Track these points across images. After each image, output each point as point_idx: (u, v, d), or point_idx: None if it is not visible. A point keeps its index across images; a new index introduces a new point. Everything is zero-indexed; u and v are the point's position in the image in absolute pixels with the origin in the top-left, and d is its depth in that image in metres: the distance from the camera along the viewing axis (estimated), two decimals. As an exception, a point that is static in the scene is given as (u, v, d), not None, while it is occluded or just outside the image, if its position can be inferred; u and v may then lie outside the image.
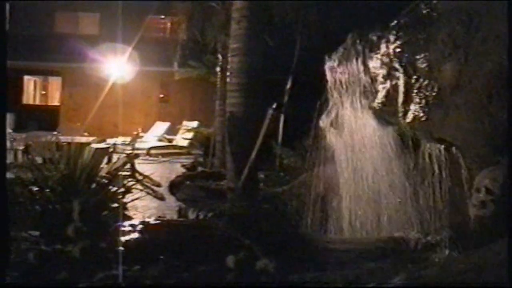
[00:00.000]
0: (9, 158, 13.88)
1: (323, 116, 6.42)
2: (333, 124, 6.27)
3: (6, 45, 4.15)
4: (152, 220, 5.84)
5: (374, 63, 5.78)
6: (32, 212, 5.72)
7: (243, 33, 8.62)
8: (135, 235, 5.00)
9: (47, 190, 5.80)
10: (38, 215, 5.68)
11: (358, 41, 5.96)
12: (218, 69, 13.69)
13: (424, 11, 5.68)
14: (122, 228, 4.96)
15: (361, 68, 5.87)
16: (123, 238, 4.77)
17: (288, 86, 10.55)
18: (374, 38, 5.84)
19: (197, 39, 14.71)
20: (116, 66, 20.85)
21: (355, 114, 6.04)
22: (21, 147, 13.94)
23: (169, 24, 23.76)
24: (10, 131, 16.18)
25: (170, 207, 8.48)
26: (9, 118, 21.94)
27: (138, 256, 3.89)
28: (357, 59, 5.91)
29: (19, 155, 13.87)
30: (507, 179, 4.91)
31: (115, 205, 5.87)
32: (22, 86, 25.11)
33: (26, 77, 25.11)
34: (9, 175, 7.95)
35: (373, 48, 5.81)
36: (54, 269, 3.41)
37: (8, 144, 14.50)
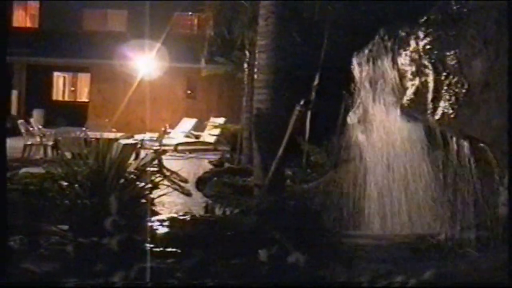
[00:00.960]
0: (39, 154, 14.08)
1: (351, 113, 6.39)
2: (360, 121, 6.24)
3: (6, 45, 4.19)
4: (187, 215, 5.88)
5: (403, 60, 5.73)
6: (62, 207, 5.80)
7: (270, 29, 8.60)
8: (170, 229, 5.06)
9: (76, 185, 5.86)
10: (68, 210, 5.75)
11: (386, 38, 5.92)
12: (245, 65, 13.69)
13: (454, 8, 5.61)
14: (157, 222, 5.02)
15: (390, 64, 5.83)
16: (158, 232, 4.82)
17: (315, 82, 10.49)
18: (403, 34, 5.79)
19: (224, 35, 14.70)
20: (144, 63, 20.96)
21: (383, 111, 5.99)
22: (51, 143, 14.10)
23: (196, 21, 23.82)
24: (40, 126, 16.39)
25: (197, 203, 8.50)
26: (39, 114, 22.24)
27: (173, 250, 3.93)
28: (385, 56, 5.87)
29: (49, 151, 14.05)
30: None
31: (143, 200, 5.91)
32: (52, 83, 25.40)
33: (55, 74, 25.38)
34: (39, 170, 8.08)
35: (402, 44, 5.77)
36: (91, 261, 3.45)
37: (38, 139, 14.72)
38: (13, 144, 16.83)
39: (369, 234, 6.02)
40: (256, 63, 9.41)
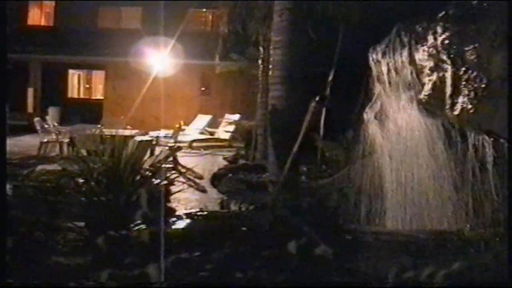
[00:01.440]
0: (55, 151, 14.16)
1: (367, 109, 6.36)
2: (377, 116, 6.21)
3: (6, 45, 4.21)
4: (204, 211, 5.90)
5: (420, 55, 5.68)
6: (78, 203, 5.83)
7: (285, 25, 8.58)
8: (198, 223, 5.08)
9: (92, 182, 5.87)
10: (84, 206, 5.78)
11: (403, 33, 5.86)
12: (259, 62, 13.67)
13: (474, 2, 5.55)
14: (186, 216, 5.04)
15: (407, 60, 5.78)
16: (187, 226, 4.84)
17: (330, 78, 10.45)
18: (420, 30, 5.74)
19: (238, 32, 14.68)
20: (158, 60, 20.98)
21: (400, 107, 5.95)
22: (66, 140, 14.17)
23: (210, 17, 23.82)
24: (56, 124, 16.47)
25: (212, 200, 8.51)
26: (55, 111, 22.36)
27: (203, 242, 3.97)
28: (402, 51, 5.82)
29: (65, 148, 14.12)
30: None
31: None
32: (67, 80, 25.51)
33: (70, 71, 25.49)
34: (55, 167, 8.12)
35: (419, 39, 5.71)
36: (122, 254, 3.48)
37: (53, 137, 14.80)
38: (30, 142, 16.95)
39: (388, 229, 5.98)
40: (270, 59, 9.39)
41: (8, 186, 7.34)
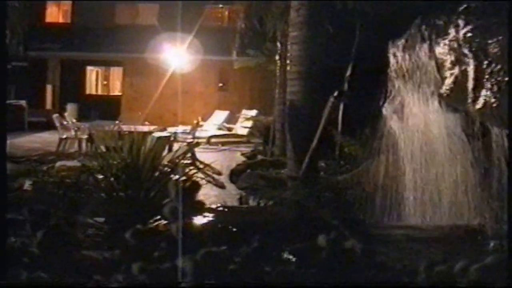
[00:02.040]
0: (74, 147, 14.26)
1: (386, 104, 6.32)
2: (396, 111, 6.16)
3: (5, 45, 4.23)
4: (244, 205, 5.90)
5: (441, 49, 5.62)
6: (98, 199, 5.85)
7: (302, 20, 8.54)
8: (223, 217, 5.09)
9: (112, 178, 5.90)
10: (103, 202, 5.80)
11: (423, 27, 5.81)
12: (277, 57, 13.63)
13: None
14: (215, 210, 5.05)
15: (427, 54, 5.73)
16: (212, 220, 4.85)
17: (348, 73, 10.38)
18: (441, 23, 5.68)
19: (255, 27, 14.67)
20: (176, 56, 21.04)
21: (420, 101, 5.90)
22: (85, 136, 14.25)
23: (227, 13, 23.82)
24: (74, 120, 16.58)
25: (230, 195, 8.51)
26: (73, 108, 22.51)
27: (230, 236, 3.99)
28: (422, 45, 5.77)
29: (83, 144, 14.21)
30: None
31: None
32: (85, 77, 25.67)
33: (88, 68, 25.65)
34: (74, 163, 8.17)
35: (440, 33, 5.65)
36: (150, 247, 3.50)
37: (72, 133, 14.90)
38: (49, 138, 17.09)
39: (410, 224, 5.94)
40: (288, 54, 9.36)
41: (28, 182, 7.42)
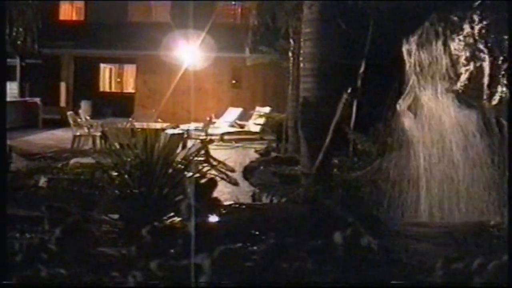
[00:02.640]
0: (88, 144, 14.34)
1: (400, 100, 6.28)
2: (410, 108, 6.13)
3: (5, 45, 4.25)
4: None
5: (456, 45, 5.58)
6: (112, 196, 5.88)
7: (315, 17, 8.50)
8: (240, 214, 5.09)
9: (126, 175, 5.92)
10: (117, 199, 5.83)
11: (437, 23, 5.77)
12: (290, 54, 13.62)
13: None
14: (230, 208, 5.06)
15: (441, 50, 5.69)
16: (230, 217, 4.86)
17: (361, 70, 10.35)
18: (455, 19, 5.64)
19: (268, 24, 14.67)
20: (189, 53, 21.08)
21: (435, 98, 5.86)
22: (99, 133, 14.33)
23: (240, 10, 23.81)
24: (88, 118, 16.67)
25: (244, 192, 8.50)
26: (87, 105, 22.62)
27: (247, 234, 4.00)
28: (437, 41, 5.73)
29: (97, 141, 14.29)
30: None
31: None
32: (98, 74, 25.79)
33: (102, 65, 25.76)
34: (88, 160, 8.21)
35: (455, 29, 5.61)
36: (167, 244, 3.53)
37: (86, 130, 14.98)
38: (63, 135, 17.20)
39: (425, 221, 5.91)
40: (301, 51, 9.33)
41: (43, 179, 7.47)
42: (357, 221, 3.89)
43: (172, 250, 3.43)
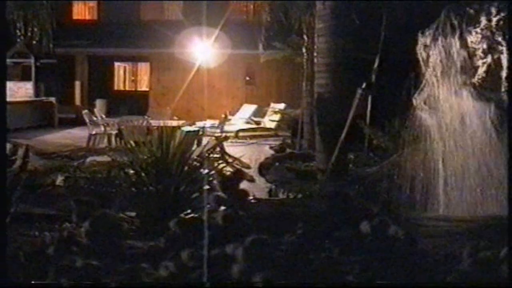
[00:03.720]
0: (104, 143, 14.40)
1: (416, 94, 6.24)
2: (427, 102, 6.09)
3: (5, 45, 4.27)
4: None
5: (473, 38, 5.54)
6: (128, 194, 5.91)
7: (328, 12, 8.48)
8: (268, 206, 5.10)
9: (142, 172, 5.94)
10: (133, 196, 5.86)
11: (453, 16, 5.72)
12: (303, 50, 13.58)
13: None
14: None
15: (458, 43, 5.64)
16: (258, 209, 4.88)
17: (376, 65, 10.31)
18: (472, 12, 5.59)
19: (281, 20, 14.62)
20: (202, 50, 21.10)
21: (452, 91, 5.82)
22: (114, 132, 14.39)
23: (252, 6, 23.76)
24: (103, 116, 16.73)
25: (260, 189, 8.50)
26: (102, 104, 22.70)
27: (273, 225, 4.01)
28: (453, 34, 5.69)
29: (113, 140, 14.35)
30: None
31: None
32: (113, 73, 25.86)
33: (116, 64, 25.83)
34: (104, 158, 8.26)
35: (471, 22, 5.57)
36: (196, 236, 3.55)
37: (102, 129, 15.04)
38: (78, 134, 17.28)
39: (444, 215, 5.87)
40: (315, 47, 9.32)
41: (60, 178, 7.53)
42: (382, 212, 3.91)
43: (200, 241, 3.46)
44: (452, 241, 4.20)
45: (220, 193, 4.01)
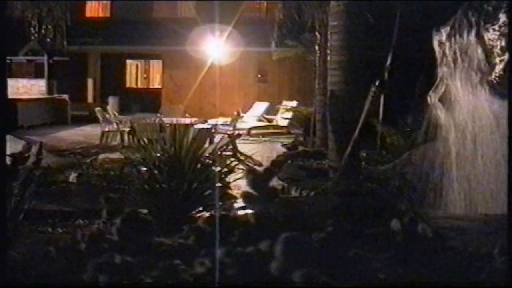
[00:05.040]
0: (116, 140, 14.44)
1: (431, 92, 6.19)
2: (441, 100, 6.04)
3: (5, 44, 4.27)
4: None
5: (490, 35, 5.48)
6: (141, 191, 5.90)
7: (342, 9, 8.43)
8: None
9: (155, 170, 5.93)
10: (147, 194, 5.85)
11: (470, 13, 5.67)
12: (316, 47, 13.54)
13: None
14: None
15: (474, 40, 5.59)
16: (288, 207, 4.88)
17: (388, 63, 10.26)
18: (489, 8, 5.53)
19: (294, 17, 14.59)
20: (214, 48, 21.11)
21: (468, 89, 5.77)
22: (127, 129, 14.42)
23: (265, 4, 23.75)
24: (116, 113, 16.78)
25: (272, 187, 8.46)
26: (114, 101, 22.79)
27: (303, 223, 4.01)
28: (469, 32, 5.63)
29: (125, 137, 14.38)
30: None
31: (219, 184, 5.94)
32: (125, 70, 25.96)
33: (128, 61, 25.92)
34: (117, 155, 8.27)
35: (489, 19, 5.51)
36: (226, 233, 3.56)
37: (114, 126, 15.08)
38: (91, 131, 17.35)
39: (460, 214, 5.83)
40: (328, 44, 9.27)
41: (73, 175, 7.55)
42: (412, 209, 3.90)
43: (231, 239, 3.45)
44: (473, 239, 4.15)
45: (250, 190, 4.02)
